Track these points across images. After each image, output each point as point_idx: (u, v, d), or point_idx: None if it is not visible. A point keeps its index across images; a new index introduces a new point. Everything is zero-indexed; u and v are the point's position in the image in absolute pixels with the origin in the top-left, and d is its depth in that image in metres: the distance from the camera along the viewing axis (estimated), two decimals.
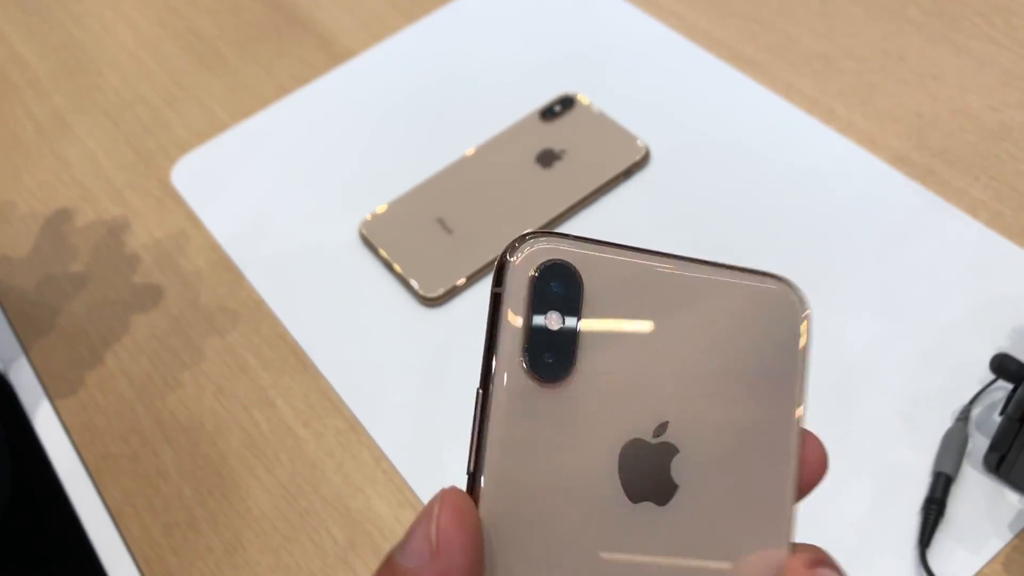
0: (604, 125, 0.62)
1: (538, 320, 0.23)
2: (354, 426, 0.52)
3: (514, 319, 0.23)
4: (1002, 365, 0.44)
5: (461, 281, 0.56)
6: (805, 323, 0.25)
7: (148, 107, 0.70)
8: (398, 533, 0.42)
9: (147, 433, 0.54)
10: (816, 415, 0.48)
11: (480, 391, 0.23)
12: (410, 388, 0.53)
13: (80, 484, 0.53)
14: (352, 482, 0.50)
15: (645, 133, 0.61)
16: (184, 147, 0.67)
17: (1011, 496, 0.45)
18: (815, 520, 0.47)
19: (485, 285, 0.56)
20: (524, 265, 0.23)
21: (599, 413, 0.23)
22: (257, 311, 0.58)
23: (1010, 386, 0.45)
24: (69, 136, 0.69)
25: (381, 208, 0.60)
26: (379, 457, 0.51)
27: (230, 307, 0.58)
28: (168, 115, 0.69)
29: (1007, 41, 0.62)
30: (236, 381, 0.55)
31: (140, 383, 0.56)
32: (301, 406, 0.53)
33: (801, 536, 0.24)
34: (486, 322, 0.23)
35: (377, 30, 0.72)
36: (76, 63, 0.74)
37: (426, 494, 0.48)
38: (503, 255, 0.23)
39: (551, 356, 0.23)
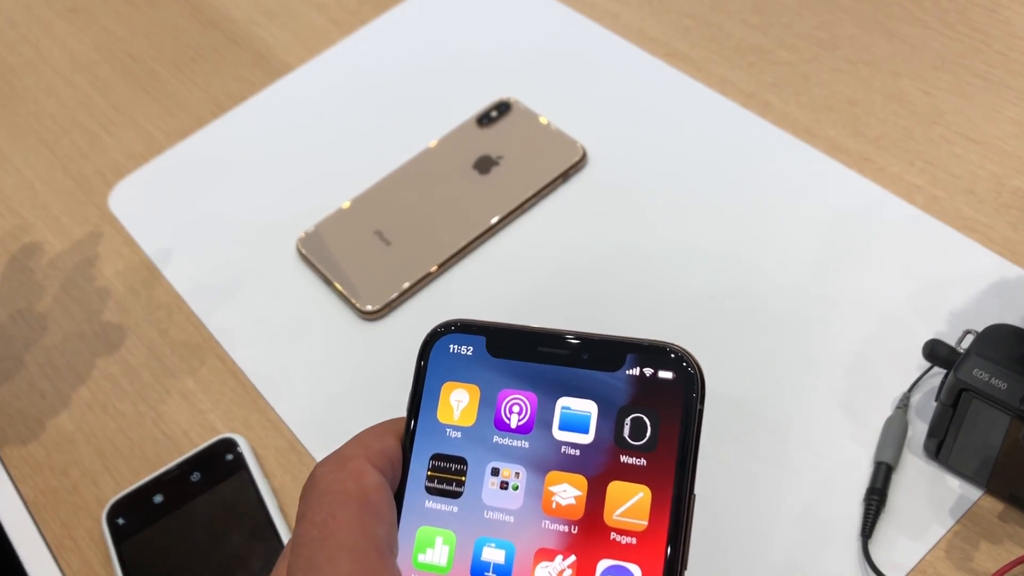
0: (541, 128, 0.62)
1: None
2: (295, 445, 0.52)
3: None
4: (933, 351, 0.44)
5: (401, 293, 0.56)
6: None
7: (85, 132, 0.69)
8: None
9: (87, 463, 0.53)
10: (758, 407, 0.48)
11: None
12: (353, 404, 0.52)
13: (19, 519, 0.52)
14: (295, 505, 0.50)
15: (582, 134, 0.61)
16: (121, 172, 0.66)
17: (951, 481, 0.45)
18: (759, 515, 0.47)
19: (425, 296, 0.56)
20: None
21: None
22: (196, 334, 0.57)
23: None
24: (5, 166, 0.69)
25: (318, 223, 0.60)
26: None
27: (169, 332, 0.57)
28: (105, 140, 0.69)
29: (937, 24, 0.62)
30: (176, 407, 0.54)
31: (79, 413, 0.55)
32: (241, 428, 0.53)
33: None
34: None
35: (313, 44, 0.71)
36: (11, 91, 0.73)
37: None
38: None
39: None
